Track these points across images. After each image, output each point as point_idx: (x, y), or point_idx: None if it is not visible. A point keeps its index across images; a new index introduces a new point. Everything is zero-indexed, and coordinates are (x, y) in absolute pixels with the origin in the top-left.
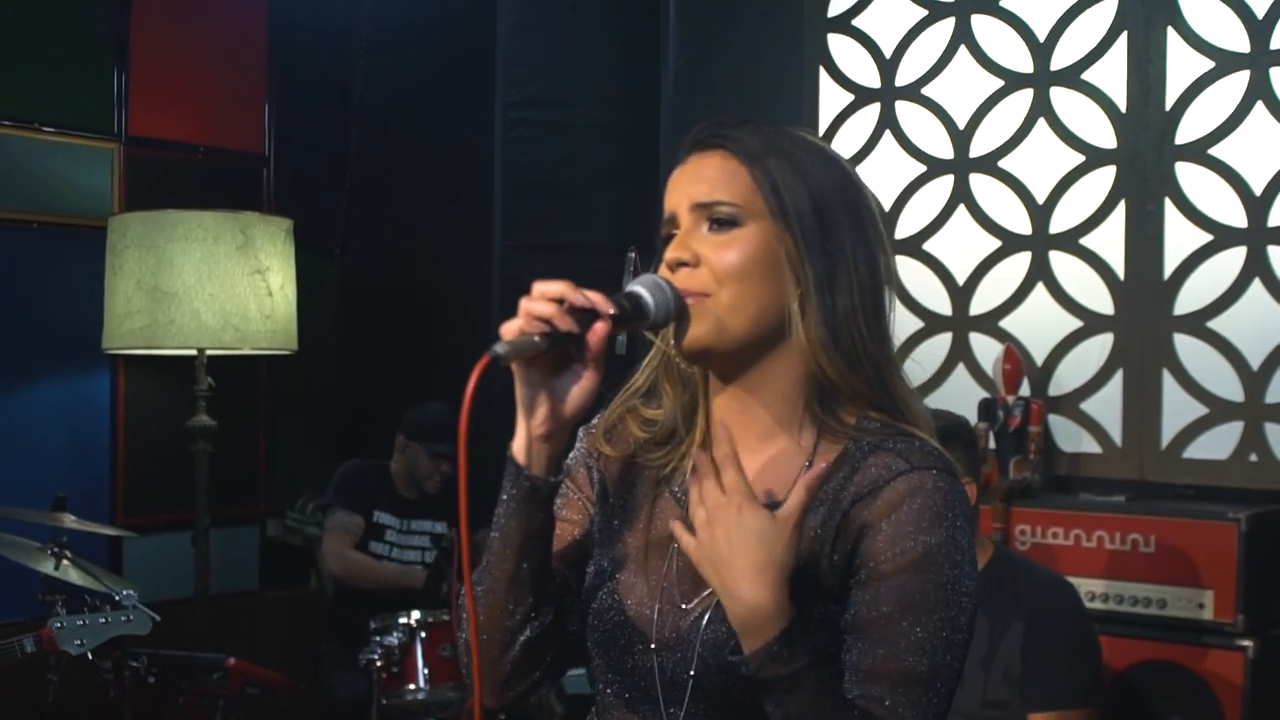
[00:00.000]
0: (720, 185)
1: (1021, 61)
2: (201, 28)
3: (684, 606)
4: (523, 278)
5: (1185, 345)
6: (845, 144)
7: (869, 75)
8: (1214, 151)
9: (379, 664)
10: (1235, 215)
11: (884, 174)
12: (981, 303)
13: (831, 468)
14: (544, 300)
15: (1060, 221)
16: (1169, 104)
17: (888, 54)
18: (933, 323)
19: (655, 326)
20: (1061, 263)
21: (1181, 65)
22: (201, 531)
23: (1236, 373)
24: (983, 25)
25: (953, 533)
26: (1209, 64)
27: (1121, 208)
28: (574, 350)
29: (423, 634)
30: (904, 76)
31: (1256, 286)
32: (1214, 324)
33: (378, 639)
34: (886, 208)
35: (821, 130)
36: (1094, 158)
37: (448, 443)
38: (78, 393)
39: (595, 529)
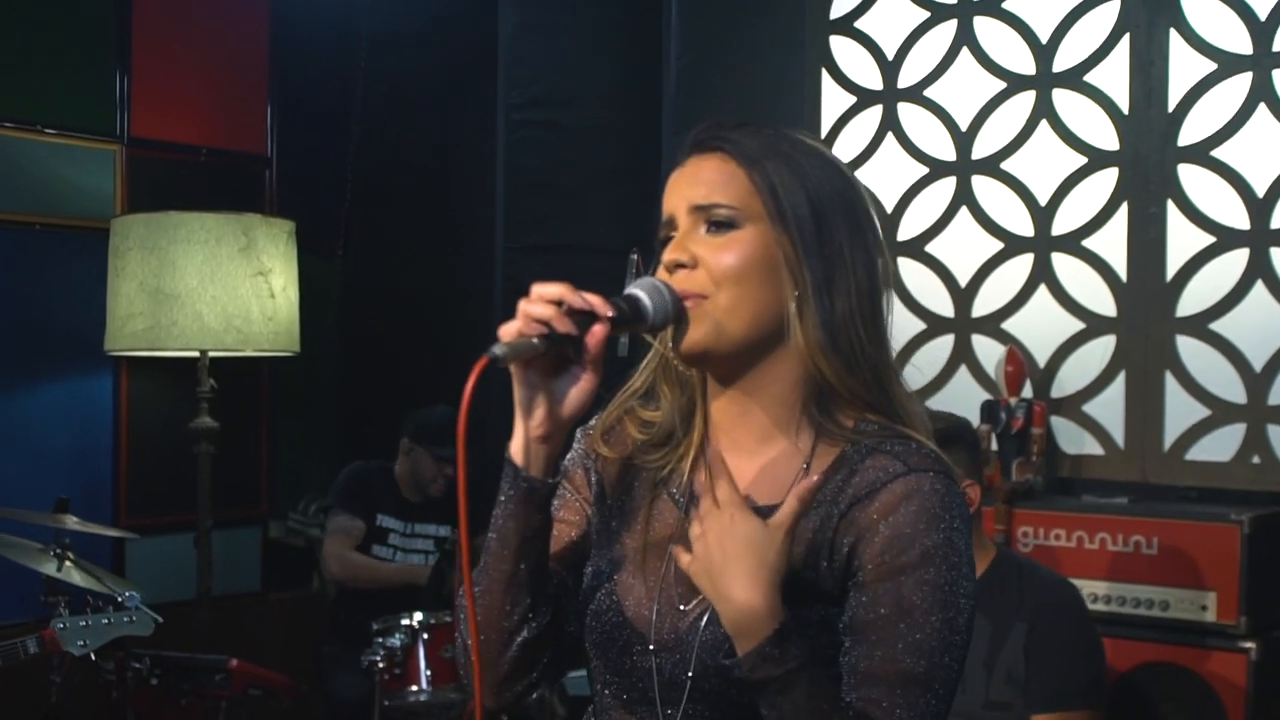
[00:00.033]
0: (718, 188)
1: (1024, 63)
2: (203, 29)
3: (682, 608)
4: (524, 279)
5: (1188, 347)
6: (847, 146)
7: (871, 77)
8: (1216, 153)
9: (381, 665)
10: (1238, 217)
11: (886, 176)
12: (984, 304)
13: (829, 470)
14: (542, 302)
15: (1062, 223)
16: (1171, 106)
17: (890, 56)
18: (935, 324)
19: (653, 329)
20: (1064, 265)
21: (1184, 67)
22: (204, 533)
23: (1239, 375)
24: (985, 27)
25: (950, 534)
26: (1211, 66)
27: (1124, 210)
28: (572, 352)
29: (425, 636)
30: (906, 78)
31: (1259, 288)
32: (1216, 326)
33: (380, 640)
34: (889, 209)
35: (823, 132)
36: (1096, 159)
37: (452, 446)
38: (80, 394)
39: (593, 530)
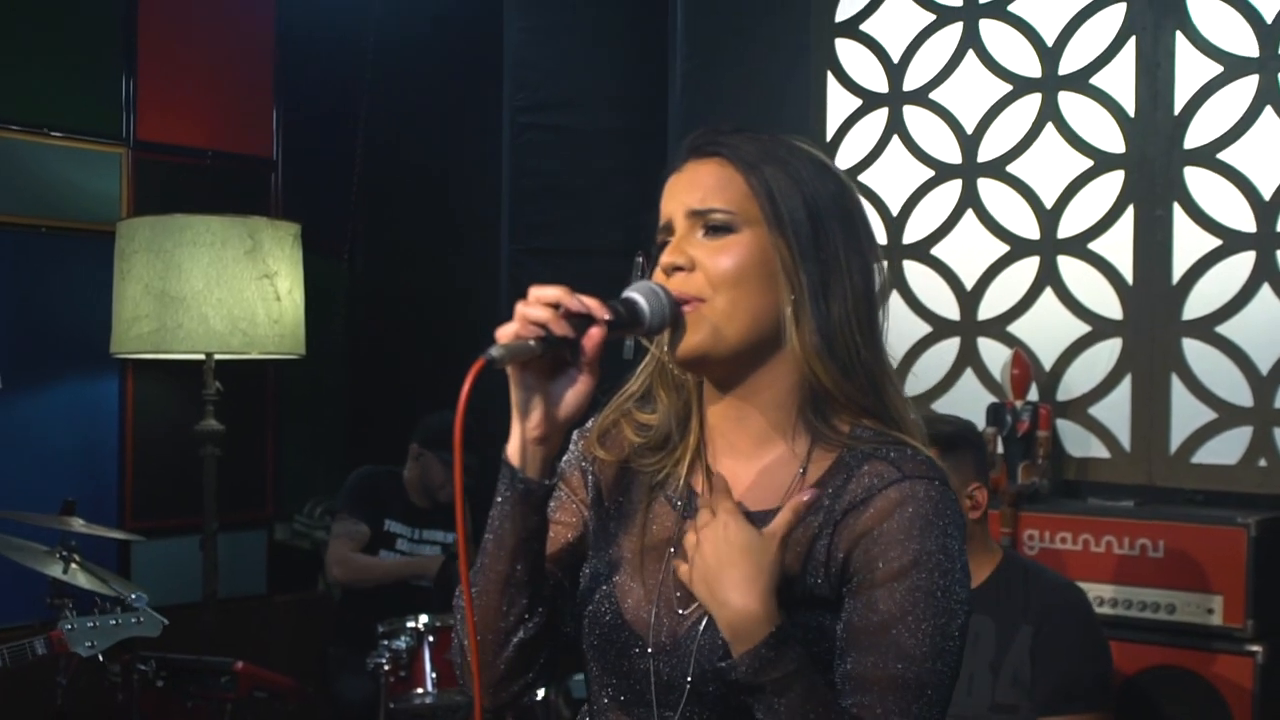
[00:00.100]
0: (715, 192)
1: (1029, 66)
2: (209, 32)
3: (681, 612)
4: (530, 281)
5: (1194, 350)
6: (853, 149)
7: (877, 80)
8: (1223, 156)
9: (386, 668)
10: (1244, 220)
11: (892, 179)
12: (990, 307)
13: (825, 476)
14: (539, 305)
15: (1068, 226)
16: (1178, 108)
17: (895, 59)
18: (941, 327)
19: (650, 332)
20: (1070, 267)
21: (1190, 69)
22: (209, 536)
23: (1245, 378)
24: (990, 30)
25: (944, 541)
26: (1218, 68)
27: (1130, 212)
28: (569, 354)
29: (430, 638)
30: (912, 81)
31: (1265, 291)
32: (1223, 329)
33: (385, 643)
34: (894, 212)
35: (829, 135)
36: (1102, 162)
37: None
38: (86, 397)
39: (590, 532)
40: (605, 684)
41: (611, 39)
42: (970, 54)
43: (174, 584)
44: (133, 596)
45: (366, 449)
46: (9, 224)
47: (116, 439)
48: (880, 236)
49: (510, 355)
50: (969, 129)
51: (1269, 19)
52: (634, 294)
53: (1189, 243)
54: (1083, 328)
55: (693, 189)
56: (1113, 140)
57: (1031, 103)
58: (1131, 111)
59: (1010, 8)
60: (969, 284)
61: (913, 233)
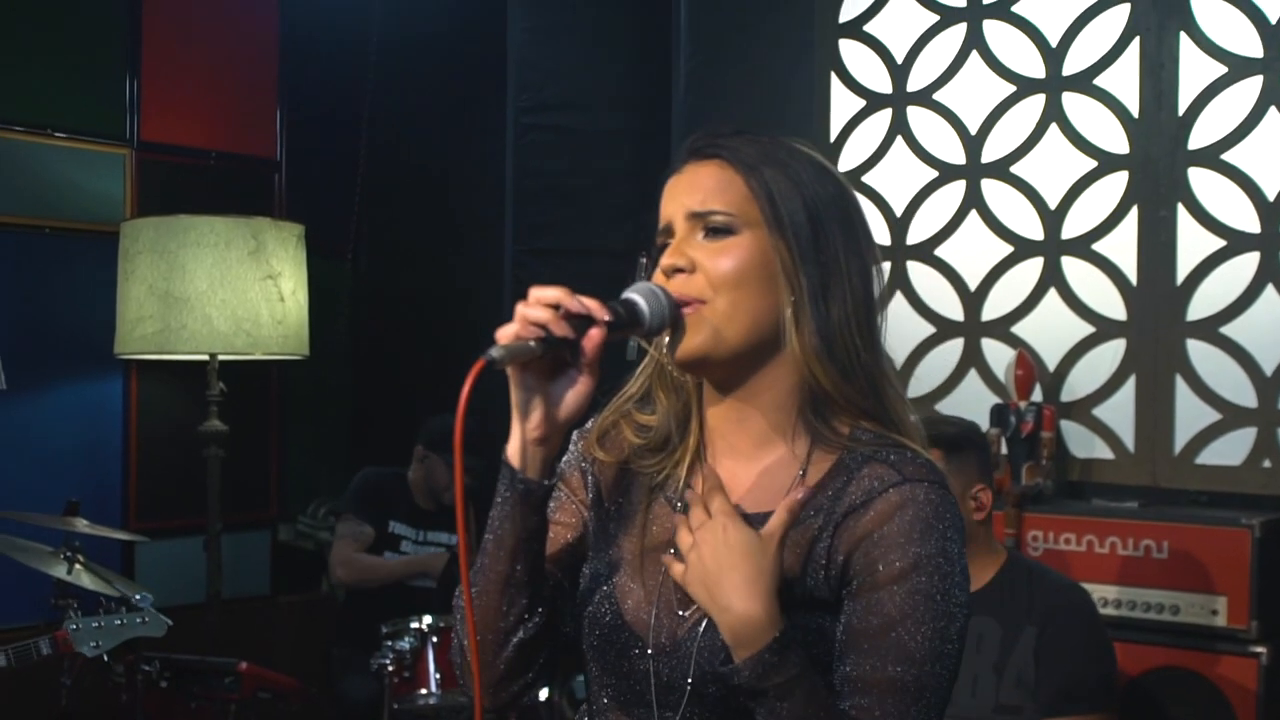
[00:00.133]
0: (715, 194)
1: (1034, 67)
2: (212, 33)
3: (681, 614)
4: (533, 282)
5: (1198, 351)
6: (856, 150)
7: (881, 80)
8: (1227, 157)
9: (390, 669)
10: (1248, 220)
11: (895, 179)
12: (993, 308)
13: (825, 477)
14: (539, 306)
15: (1072, 227)
16: (1182, 109)
17: (899, 59)
18: (945, 328)
19: (650, 333)
20: (1074, 268)
21: (1194, 70)
22: (213, 536)
23: (1250, 378)
24: (994, 30)
25: (944, 544)
26: (1222, 69)
27: (1134, 213)
28: (569, 355)
29: (434, 639)
30: (916, 82)
31: (1270, 292)
32: (1227, 330)
33: (389, 644)
34: (898, 213)
35: (833, 136)
36: (1106, 163)
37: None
38: (90, 398)
39: (590, 533)
40: (605, 684)
41: (614, 40)
42: (974, 55)
43: (178, 585)
44: (137, 597)
45: (369, 449)
46: (13, 225)
47: (120, 440)
48: (884, 237)
49: (510, 356)
50: (973, 130)
51: (1273, 20)
52: (634, 295)
53: (1193, 243)
54: (1087, 328)
55: (693, 191)
56: (1117, 141)
57: (1035, 103)
58: (1135, 112)
59: (1014, 8)
60: (973, 285)
61: (916, 233)
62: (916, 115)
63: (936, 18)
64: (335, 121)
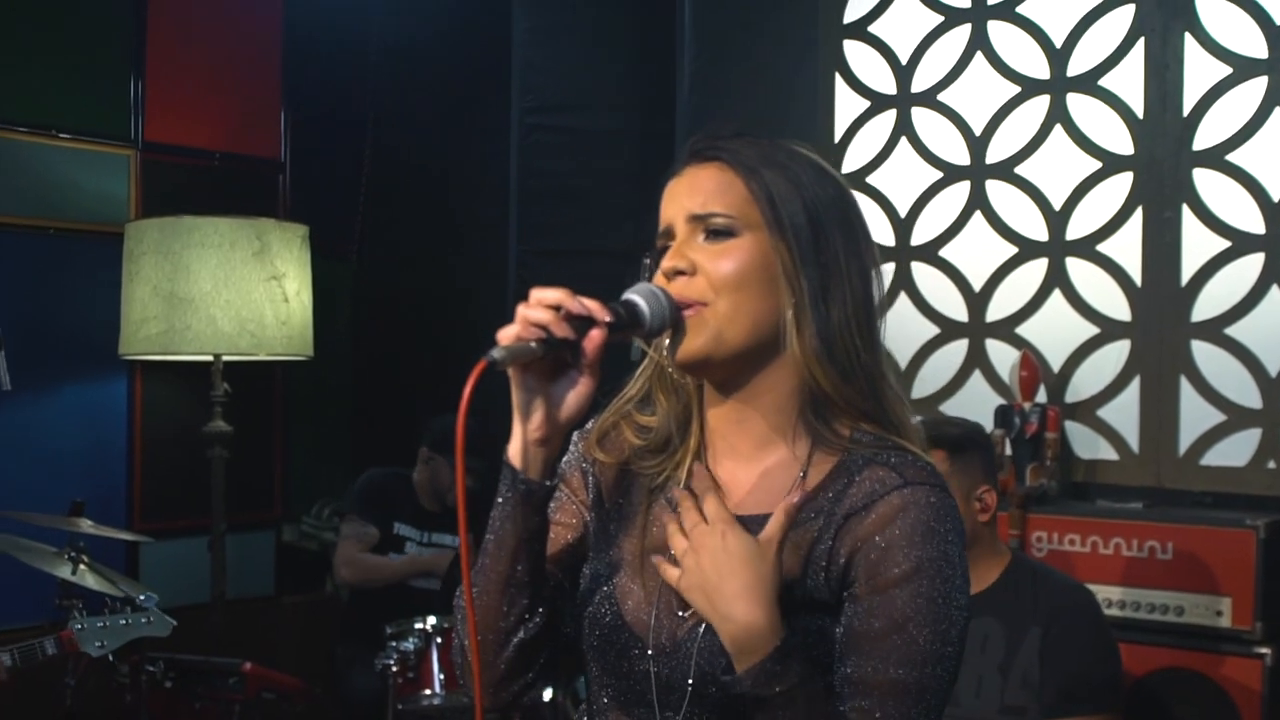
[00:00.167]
0: (716, 196)
1: (1038, 67)
2: (217, 34)
3: (681, 614)
4: (537, 282)
5: (1203, 352)
6: (861, 150)
7: (885, 81)
8: (1232, 157)
9: (394, 669)
10: (1253, 221)
11: (900, 181)
12: (998, 309)
13: (826, 480)
14: (540, 307)
15: (1077, 228)
16: (1186, 110)
17: (904, 60)
18: (949, 329)
19: (650, 335)
20: (1078, 269)
21: (1199, 71)
22: (218, 537)
23: (1254, 380)
24: (999, 31)
25: (944, 547)
26: (1226, 70)
27: (1139, 214)
28: (570, 356)
29: (438, 639)
30: (920, 82)
31: (1274, 293)
32: (1232, 330)
33: (393, 644)
34: (902, 214)
35: (837, 136)
36: (1111, 164)
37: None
38: (94, 398)
39: (590, 533)
40: (605, 685)
41: (619, 40)
42: (979, 55)
43: (182, 585)
44: (142, 597)
45: (372, 450)
46: (17, 225)
47: (125, 440)
48: (888, 238)
49: (511, 357)
50: (977, 130)
51: (1278, 21)
52: (634, 296)
53: (1198, 244)
54: (1091, 329)
55: (693, 193)
56: (1121, 142)
57: (1040, 104)
58: (1140, 113)
59: (1019, 9)
60: (977, 286)
61: (921, 234)
62: (921, 116)
63: (941, 18)
64: (339, 122)
